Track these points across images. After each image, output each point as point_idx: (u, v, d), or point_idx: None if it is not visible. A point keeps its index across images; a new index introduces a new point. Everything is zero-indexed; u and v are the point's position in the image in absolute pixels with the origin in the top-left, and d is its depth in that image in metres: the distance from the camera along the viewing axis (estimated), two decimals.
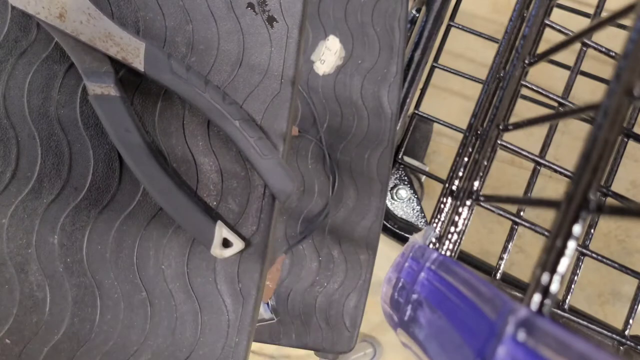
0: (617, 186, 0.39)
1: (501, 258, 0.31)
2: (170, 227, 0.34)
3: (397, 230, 0.57)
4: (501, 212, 0.30)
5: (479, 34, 0.57)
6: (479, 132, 0.30)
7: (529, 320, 0.16)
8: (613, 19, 0.19)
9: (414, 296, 0.25)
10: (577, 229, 0.16)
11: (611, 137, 0.16)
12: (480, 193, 0.28)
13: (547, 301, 0.16)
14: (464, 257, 0.58)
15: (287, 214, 0.47)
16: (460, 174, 0.30)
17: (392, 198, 0.58)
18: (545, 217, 0.91)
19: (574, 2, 0.57)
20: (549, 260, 0.16)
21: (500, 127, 0.28)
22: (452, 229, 0.28)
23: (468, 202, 0.28)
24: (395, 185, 0.59)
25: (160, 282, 0.34)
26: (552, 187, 0.97)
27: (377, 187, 0.50)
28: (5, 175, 0.32)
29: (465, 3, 0.59)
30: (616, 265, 0.36)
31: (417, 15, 0.61)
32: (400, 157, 0.59)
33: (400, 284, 0.27)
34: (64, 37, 0.31)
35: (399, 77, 0.51)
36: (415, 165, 0.60)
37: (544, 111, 0.38)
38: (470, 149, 0.30)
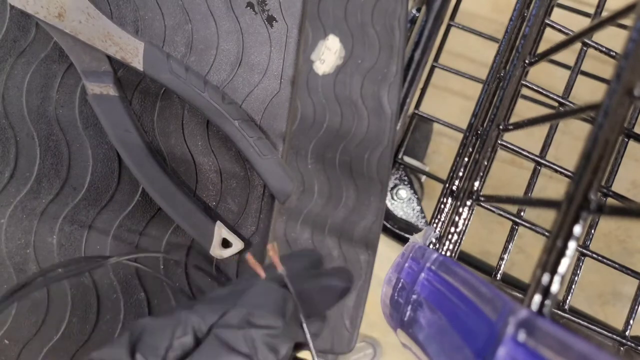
0: (618, 186, 0.39)
1: (501, 258, 0.31)
2: (169, 227, 0.34)
3: (397, 231, 0.56)
4: (501, 213, 0.30)
5: (480, 34, 0.57)
6: (479, 132, 0.30)
7: (529, 321, 0.16)
8: (613, 19, 0.19)
9: (414, 297, 0.25)
10: (577, 229, 0.16)
11: (612, 137, 0.16)
12: (481, 193, 0.28)
13: (548, 302, 0.16)
14: (464, 258, 0.58)
15: (286, 214, 0.47)
16: (461, 174, 0.30)
17: (392, 198, 0.58)
18: (546, 218, 0.91)
19: (574, 1, 0.57)
20: (550, 261, 0.16)
21: (501, 127, 0.28)
22: (452, 229, 0.28)
23: (468, 202, 0.28)
24: (395, 186, 0.58)
25: (159, 283, 0.34)
26: (553, 187, 0.97)
27: (377, 187, 0.50)
28: (4, 175, 0.32)
29: (466, 2, 0.59)
30: (617, 265, 0.36)
31: (417, 14, 0.61)
32: (400, 157, 0.58)
33: (400, 285, 0.27)
34: (62, 37, 0.31)
35: (399, 77, 0.51)
36: (416, 165, 0.59)
37: (545, 111, 0.38)
38: (470, 149, 0.30)
